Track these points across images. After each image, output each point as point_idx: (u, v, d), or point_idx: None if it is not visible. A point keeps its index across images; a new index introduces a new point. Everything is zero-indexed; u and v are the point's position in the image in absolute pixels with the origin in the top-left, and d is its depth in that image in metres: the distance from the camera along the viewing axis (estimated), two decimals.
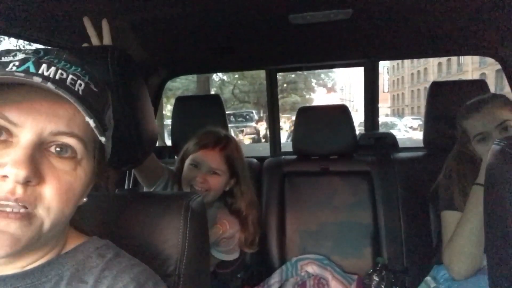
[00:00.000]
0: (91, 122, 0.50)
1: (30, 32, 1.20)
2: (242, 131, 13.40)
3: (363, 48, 1.88)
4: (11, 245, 0.47)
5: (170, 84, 15.42)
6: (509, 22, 1.37)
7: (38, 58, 0.50)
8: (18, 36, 1.25)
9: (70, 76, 0.51)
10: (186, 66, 2.19)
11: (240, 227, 1.43)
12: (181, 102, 2.00)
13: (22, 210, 0.47)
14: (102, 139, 0.53)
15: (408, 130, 18.40)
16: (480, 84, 1.63)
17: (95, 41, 0.96)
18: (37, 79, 0.47)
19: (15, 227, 0.47)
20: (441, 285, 1.27)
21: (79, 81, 0.52)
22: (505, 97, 1.30)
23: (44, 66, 0.50)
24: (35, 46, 1.35)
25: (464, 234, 1.18)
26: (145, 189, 1.36)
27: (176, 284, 0.69)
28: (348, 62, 2.13)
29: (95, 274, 0.55)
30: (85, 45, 0.97)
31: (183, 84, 17.22)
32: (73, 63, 0.54)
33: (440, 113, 1.61)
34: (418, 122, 18.64)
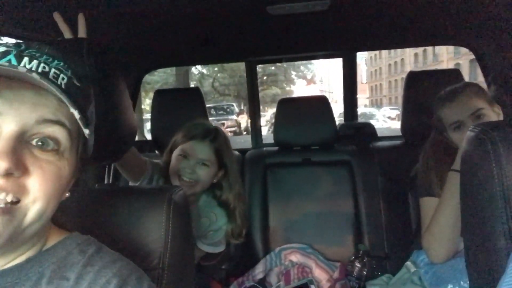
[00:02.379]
0: (76, 113, 0.50)
1: (3, 27, 1.16)
2: (223, 124, 13.32)
3: (341, 39, 1.90)
4: None
5: (148, 77, 15.14)
6: (482, 12, 1.41)
7: (19, 51, 0.50)
8: None
9: (53, 70, 0.51)
10: (164, 59, 2.15)
11: (227, 219, 1.43)
12: (160, 96, 1.97)
13: (2, 205, 0.46)
14: (86, 131, 0.52)
15: (386, 120, 18.76)
16: (455, 73, 1.68)
17: (68, 36, 0.94)
18: (22, 69, 0.46)
19: None
20: (421, 269, 1.31)
21: (61, 75, 0.51)
22: (478, 86, 1.33)
23: (26, 59, 0.49)
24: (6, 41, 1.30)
25: (441, 219, 1.21)
26: (130, 184, 1.35)
27: (160, 277, 0.69)
28: (327, 53, 2.14)
29: (77, 270, 0.54)
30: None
31: (161, 78, 16.95)
32: (56, 58, 0.53)
33: (417, 103, 1.65)
34: (396, 112, 19.01)
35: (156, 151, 1.96)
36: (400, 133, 1.77)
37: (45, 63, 0.50)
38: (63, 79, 0.51)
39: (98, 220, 0.73)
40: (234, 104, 18.08)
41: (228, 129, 13.80)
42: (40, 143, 0.50)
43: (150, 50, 1.87)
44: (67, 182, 0.54)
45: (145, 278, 0.57)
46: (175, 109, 1.85)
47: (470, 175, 0.67)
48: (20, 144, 0.48)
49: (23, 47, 0.51)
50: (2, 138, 0.46)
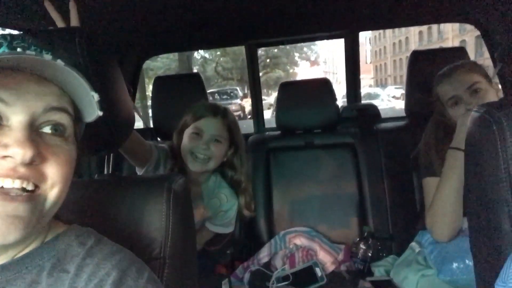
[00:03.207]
0: (96, 96, 0.53)
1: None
2: None
3: (343, 19, 1.85)
4: (24, 228, 0.47)
5: (151, 63, 15.04)
6: None
7: (9, 43, 0.50)
8: None
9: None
10: (163, 44, 2.12)
11: (237, 198, 1.48)
12: (160, 82, 1.95)
13: (24, 193, 0.48)
14: (100, 113, 0.55)
15: (390, 99, 18.59)
16: (459, 51, 1.64)
17: (60, 24, 0.92)
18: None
19: (23, 209, 0.47)
20: (426, 249, 1.31)
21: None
22: (475, 62, 1.35)
23: (19, 50, 0.50)
24: None
25: (443, 197, 1.22)
26: (137, 170, 1.36)
27: (161, 266, 0.69)
28: (329, 34, 2.09)
29: (77, 262, 0.54)
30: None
31: (164, 64, 16.85)
32: (43, 48, 0.53)
33: (421, 82, 1.61)
34: (400, 91, 18.84)
35: (158, 138, 1.95)
36: (403, 113, 1.75)
37: (37, 54, 0.49)
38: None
39: (98, 211, 0.73)
40: (237, 88, 17.97)
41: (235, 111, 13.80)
42: (52, 130, 0.52)
43: (149, 36, 1.84)
44: (74, 166, 0.56)
45: (145, 269, 0.57)
46: (176, 95, 1.83)
47: (474, 156, 0.65)
48: (32, 132, 0.49)
49: (9, 38, 0.51)
50: (16, 128, 0.48)
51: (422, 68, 1.64)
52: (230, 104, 13.80)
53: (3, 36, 0.52)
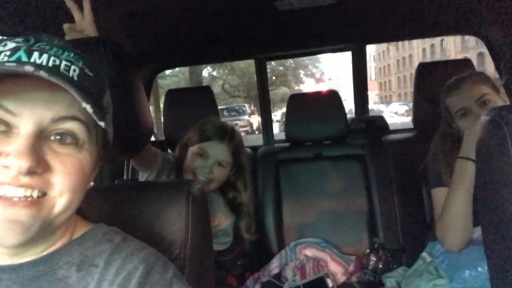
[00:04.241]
0: (89, 108, 0.49)
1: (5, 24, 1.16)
2: (236, 124, 13.56)
3: (350, 32, 1.90)
4: (23, 233, 0.47)
5: (161, 82, 15.26)
6: (492, 0, 1.40)
7: (29, 46, 0.49)
8: None
9: (64, 62, 0.50)
10: (175, 58, 2.18)
11: (235, 218, 1.45)
12: (172, 95, 1.99)
13: (29, 198, 0.48)
14: (102, 124, 0.52)
15: (393, 115, 18.64)
16: (465, 63, 1.67)
17: (76, 14, 0.94)
18: (29, 68, 0.45)
19: (25, 214, 0.47)
20: (437, 259, 1.31)
21: (73, 67, 0.51)
22: (483, 74, 1.36)
23: (36, 54, 0.48)
24: None
25: (453, 206, 1.23)
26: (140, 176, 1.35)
27: (182, 267, 0.70)
28: (336, 47, 2.14)
29: (105, 257, 0.56)
30: (66, 25, 0.95)
31: (173, 82, 17.09)
32: (66, 49, 0.52)
33: (428, 94, 1.64)
34: (404, 108, 18.89)
35: (169, 150, 1.98)
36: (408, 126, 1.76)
37: (55, 55, 0.49)
38: (74, 70, 0.51)
39: (120, 214, 0.75)
40: (246, 105, 18.34)
41: (241, 129, 13.98)
42: (58, 137, 0.51)
43: (162, 50, 1.90)
44: (90, 172, 0.56)
45: (170, 265, 0.59)
46: (187, 108, 1.87)
47: (486, 160, 0.67)
48: (39, 141, 0.49)
49: (32, 41, 0.50)
50: (22, 137, 0.47)
51: (429, 80, 1.67)
52: (239, 120, 14.35)
53: (26, 38, 0.51)
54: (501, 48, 1.57)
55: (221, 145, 1.36)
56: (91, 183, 0.59)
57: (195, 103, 1.89)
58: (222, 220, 1.43)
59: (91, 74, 0.54)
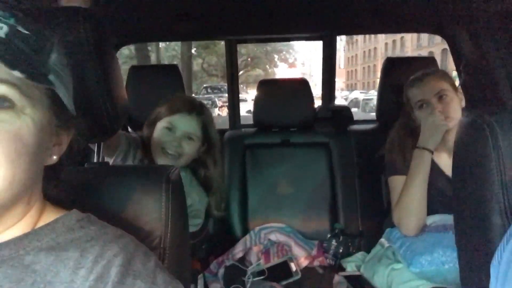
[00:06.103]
0: (15, 73, 0.44)
1: None
2: (219, 99, 14.72)
3: (321, 22, 1.90)
4: None
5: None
6: (458, 1, 1.46)
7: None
8: None
9: None
10: (137, 33, 2.06)
11: (207, 197, 1.44)
12: (136, 72, 1.89)
13: None
14: (39, 86, 0.47)
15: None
16: (430, 61, 1.75)
17: None
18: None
19: None
20: (395, 244, 1.39)
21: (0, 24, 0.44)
22: (445, 72, 1.48)
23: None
24: None
25: (410, 193, 1.31)
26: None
27: (162, 257, 0.68)
28: (307, 35, 2.14)
29: (80, 245, 0.51)
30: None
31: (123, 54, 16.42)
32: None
33: (393, 87, 1.70)
34: (363, 96, 19.87)
35: (129, 129, 1.90)
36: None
37: None
38: (1, 28, 0.44)
39: (92, 200, 0.70)
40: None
41: (224, 105, 14.41)
42: None
43: (122, 24, 1.78)
44: (38, 141, 0.49)
45: (151, 254, 0.56)
46: (152, 86, 1.78)
47: (464, 158, 0.71)
48: None
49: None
50: None
51: (394, 74, 1.73)
52: (221, 96, 15.22)
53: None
54: (462, 49, 1.66)
55: (189, 117, 1.34)
56: (54, 157, 0.54)
57: (160, 82, 1.81)
58: (196, 200, 1.40)
59: (26, 32, 0.47)
